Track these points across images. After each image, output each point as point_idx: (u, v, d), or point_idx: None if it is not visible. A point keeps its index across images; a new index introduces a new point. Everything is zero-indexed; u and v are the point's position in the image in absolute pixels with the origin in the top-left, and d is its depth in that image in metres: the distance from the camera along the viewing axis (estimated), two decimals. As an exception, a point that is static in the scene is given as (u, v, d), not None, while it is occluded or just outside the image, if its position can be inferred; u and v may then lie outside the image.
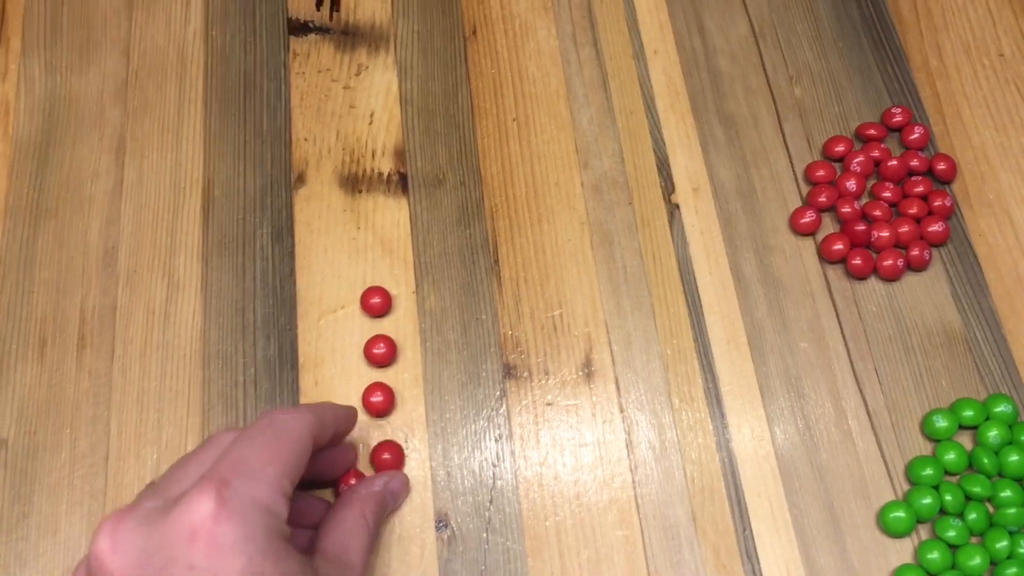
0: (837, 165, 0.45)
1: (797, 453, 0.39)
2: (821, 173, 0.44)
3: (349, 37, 0.48)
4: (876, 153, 0.45)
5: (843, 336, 0.42)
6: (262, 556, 0.28)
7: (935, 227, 0.44)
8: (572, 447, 0.40)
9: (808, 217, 0.44)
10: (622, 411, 0.40)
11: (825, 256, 0.43)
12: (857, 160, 0.45)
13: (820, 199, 0.44)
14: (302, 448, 0.32)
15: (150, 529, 0.29)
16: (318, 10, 0.49)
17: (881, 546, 0.38)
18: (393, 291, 0.42)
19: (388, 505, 0.37)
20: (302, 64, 0.48)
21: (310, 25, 0.49)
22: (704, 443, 0.40)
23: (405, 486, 0.38)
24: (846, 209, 0.44)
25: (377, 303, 0.41)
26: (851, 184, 0.44)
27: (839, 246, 0.43)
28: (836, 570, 0.37)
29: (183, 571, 0.28)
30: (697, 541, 0.38)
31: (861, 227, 0.43)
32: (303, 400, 0.40)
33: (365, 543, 0.35)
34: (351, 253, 0.43)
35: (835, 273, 0.43)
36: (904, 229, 0.43)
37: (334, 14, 0.49)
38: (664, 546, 0.38)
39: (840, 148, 0.45)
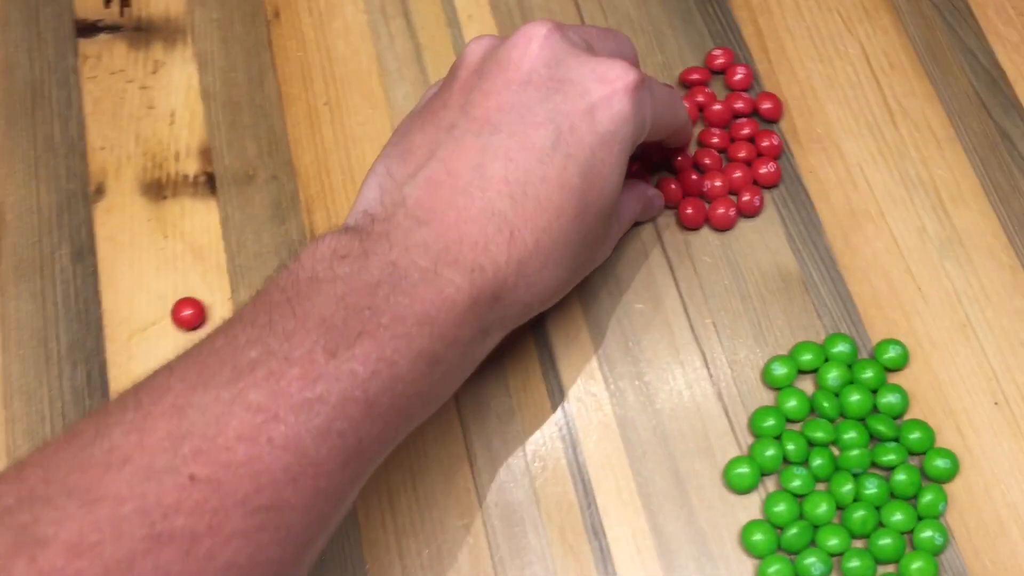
0: (663, 115, 0.44)
1: (639, 419, 0.38)
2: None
3: (143, 33, 0.45)
4: (700, 98, 0.44)
5: (679, 292, 0.41)
6: (622, 141, 0.32)
7: (765, 169, 0.42)
8: (407, 441, 0.38)
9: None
10: (455, 397, 0.39)
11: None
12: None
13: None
14: (674, 127, 0.38)
15: (575, 52, 0.33)
16: (107, 7, 0.46)
17: (728, 504, 0.37)
18: (208, 299, 0.40)
19: (646, 212, 0.41)
20: (93, 67, 0.44)
21: (99, 24, 0.45)
22: (542, 420, 0.38)
23: (661, 208, 0.42)
24: (678, 158, 0.43)
25: (189, 315, 0.39)
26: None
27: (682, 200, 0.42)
28: (685, 535, 0.36)
29: (577, 93, 0.32)
30: (542, 523, 0.37)
31: (694, 176, 0.42)
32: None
33: (630, 219, 0.40)
34: (159, 264, 0.41)
35: (668, 228, 0.42)
36: (736, 175, 0.42)
37: (124, 10, 0.46)
38: (507, 533, 0.36)
39: (665, 95, 0.44)
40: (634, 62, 0.36)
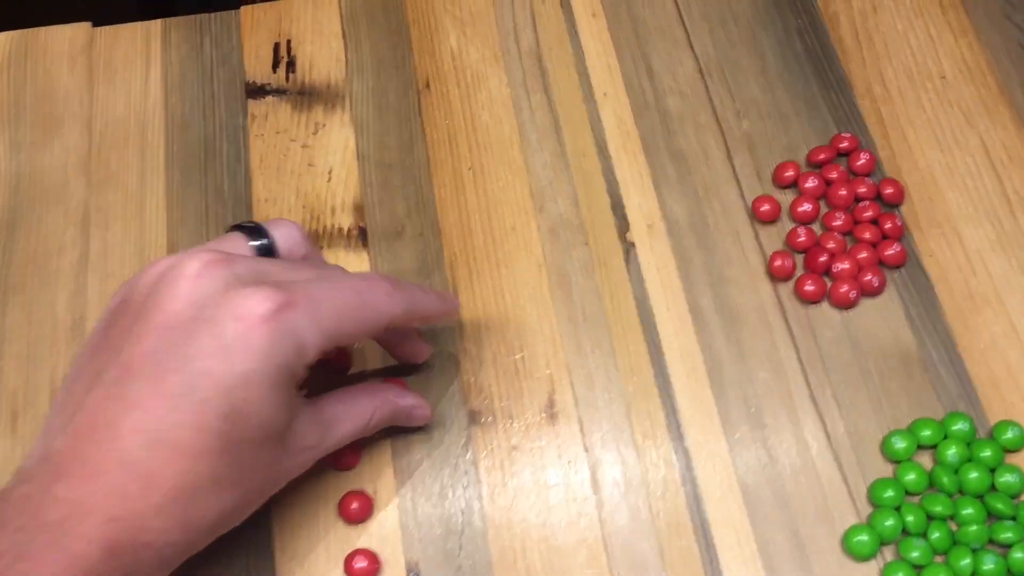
0: (787, 193, 0.46)
1: (760, 482, 0.40)
2: (766, 208, 0.45)
3: (305, 97, 0.50)
4: (834, 175, 0.46)
5: (800, 363, 0.43)
6: (265, 377, 0.31)
7: (891, 250, 0.44)
8: (539, 489, 0.40)
9: (780, 261, 0.44)
10: (586, 451, 0.41)
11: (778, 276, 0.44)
12: (809, 182, 0.46)
13: (799, 240, 0.45)
14: (373, 329, 0.36)
15: (222, 287, 0.32)
16: (274, 72, 0.50)
17: (847, 570, 0.38)
18: (357, 345, 0.43)
19: (399, 421, 0.40)
20: (260, 126, 0.49)
21: (267, 88, 0.50)
22: (668, 477, 0.40)
23: (426, 419, 0.40)
24: (801, 239, 0.45)
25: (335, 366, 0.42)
26: (806, 207, 0.45)
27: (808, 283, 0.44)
28: (804, 597, 0.38)
29: (210, 335, 0.31)
30: (666, 575, 0.38)
31: (823, 258, 0.44)
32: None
33: (354, 432, 0.37)
34: (314, 309, 0.44)
35: (790, 301, 0.44)
36: (862, 255, 0.44)
37: (290, 75, 0.50)
38: (633, 583, 0.38)
39: (789, 173, 0.46)
40: (297, 281, 0.34)
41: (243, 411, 0.31)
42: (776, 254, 0.44)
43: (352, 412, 0.37)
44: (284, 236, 0.37)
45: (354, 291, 0.35)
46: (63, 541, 0.29)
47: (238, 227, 0.37)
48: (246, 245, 0.36)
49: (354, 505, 0.39)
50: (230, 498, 0.32)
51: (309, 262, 0.37)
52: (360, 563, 0.38)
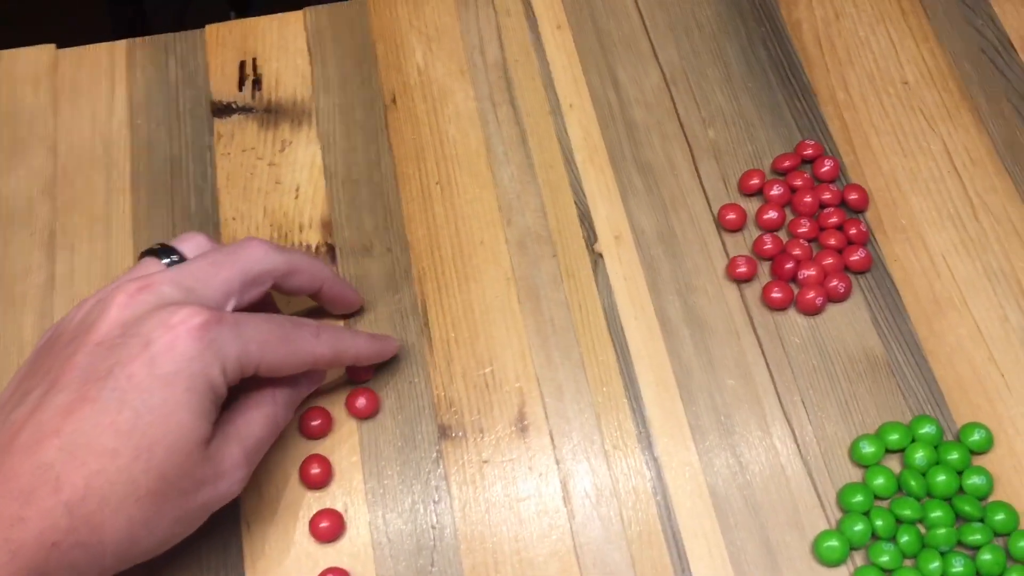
0: (753, 201, 0.47)
1: (730, 489, 0.40)
2: (732, 216, 0.46)
3: (272, 114, 0.50)
4: (799, 182, 0.46)
5: (768, 370, 0.43)
6: (191, 385, 0.33)
7: (856, 256, 0.45)
8: (510, 503, 0.40)
9: (742, 266, 0.45)
10: (557, 463, 0.41)
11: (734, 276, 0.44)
12: (775, 190, 0.46)
13: (765, 247, 0.45)
14: (297, 365, 0.37)
15: (152, 308, 0.34)
16: (240, 91, 0.50)
17: (818, 576, 0.38)
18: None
19: (295, 408, 0.39)
20: (227, 144, 0.49)
21: (233, 106, 0.50)
22: (639, 487, 0.40)
23: (311, 386, 0.40)
24: (767, 246, 0.45)
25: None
26: (772, 214, 0.46)
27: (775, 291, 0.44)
28: (775, 604, 0.38)
29: (138, 344, 0.33)
30: (638, 586, 0.38)
31: (789, 265, 0.44)
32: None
33: (269, 435, 0.37)
34: (283, 327, 0.44)
35: (757, 309, 0.44)
36: (828, 261, 0.44)
37: (256, 93, 0.50)
38: (605, 594, 0.38)
39: (755, 181, 0.47)
40: (231, 294, 0.36)
41: (161, 411, 0.32)
42: (736, 259, 0.44)
43: (255, 416, 0.37)
44: (192, 248, 0.38)
45: (279, 325, 0.36)
46: (10, 539, 0.30)
47: (147, 252, 0.38)
48: (160, 265, 0.37)
49: (324, 524, 0.39)
50: (151, 504, 0.32)
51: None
52: None
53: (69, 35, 0.53)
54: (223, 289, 0.36)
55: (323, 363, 0.38)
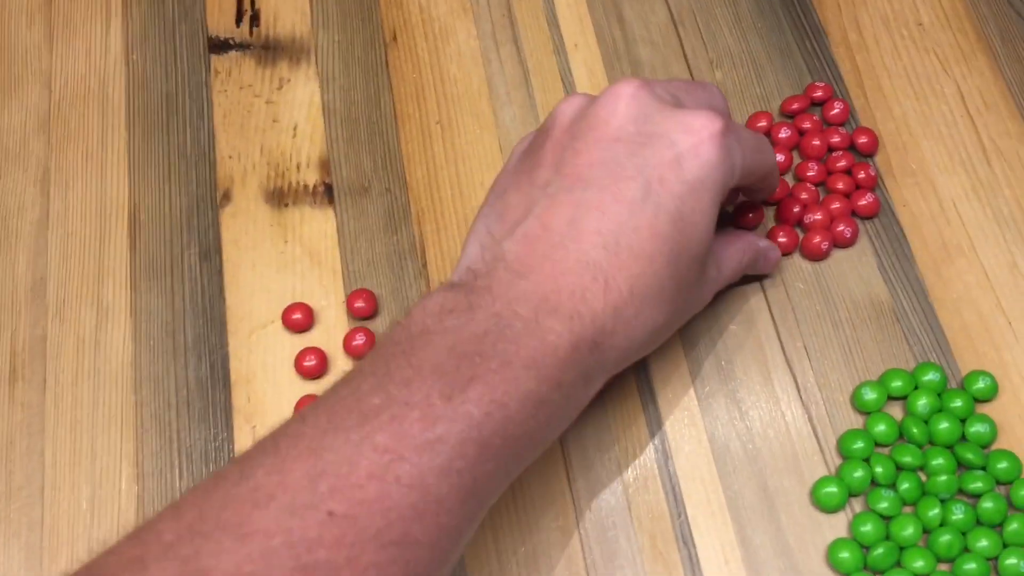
0: (760, 145, 0.46)
1: (730, 435, 0.40)
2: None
3: (270, 51, 0.48)
4: (807, 124, 0.45)
5: (771, 316, 0.42)
6: (710, 187, 0.33)
7: (864, 200, 0.44)
8: (506, 445, 0.40)
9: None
10: (555, 406, 0.40)
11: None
12: (783, 132, 0.45)
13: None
14: (768, 170, 0.38)
15: (661, 107, 0.34)
16: (238, 26, 0.49)
17: (815, 522, 0.38)
18: (322, 302, 0.42)
19: (757, 264, 0.41)
20: (224, 82, 0.48)
21: (230, 42, 0.49)
22: (637, 431, 0.40)
23: (776, 262, 0.42)
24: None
25: (298, 319, 0.41)
26: (779, 158, 0.45)
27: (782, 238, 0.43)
28: (772, 549, 0.38)
29: (664, 146, 0.33)
30: (633, 529, 0.38)
31: (795, 209, 0.43)
32: (236, 417, 0.40)
33: (734, 272, 0.39)
34: (279, 267, 0.43)
35: (761, 253, 0.43)
36: (835, 206, 0.43)
37: (254, 29, 0.49)
38: (600, 536, 0.38)
39: (762, 123, 0.46)
40: (723, 111, 0.38)
41: (690, 219, 0.33)
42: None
43: (732, 252, 0.39)
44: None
45: (757, 137, 0.37)
46: (537, 331, 0.30)
47: None
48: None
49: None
50: (666, 311, 0.34)
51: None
52: None
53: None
54: (749, 161, 0.36)
55: (775, 171, 0.40)
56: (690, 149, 0.33)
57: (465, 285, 0.32)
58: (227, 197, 0.45)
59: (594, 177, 0.33)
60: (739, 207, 0.43)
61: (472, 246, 0.35)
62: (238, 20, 0.49)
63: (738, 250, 0.39)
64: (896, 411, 0.40)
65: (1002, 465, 0.38)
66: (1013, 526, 0.37)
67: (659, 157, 0.33)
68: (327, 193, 0.45)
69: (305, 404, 0.40)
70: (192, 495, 0.27)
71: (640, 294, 0.32)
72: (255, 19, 0.49)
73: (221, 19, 0.49)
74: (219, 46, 0.49)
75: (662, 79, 0.37)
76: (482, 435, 0.28)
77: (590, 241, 0.32)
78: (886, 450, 0.39)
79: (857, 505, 0.38)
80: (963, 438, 0.39)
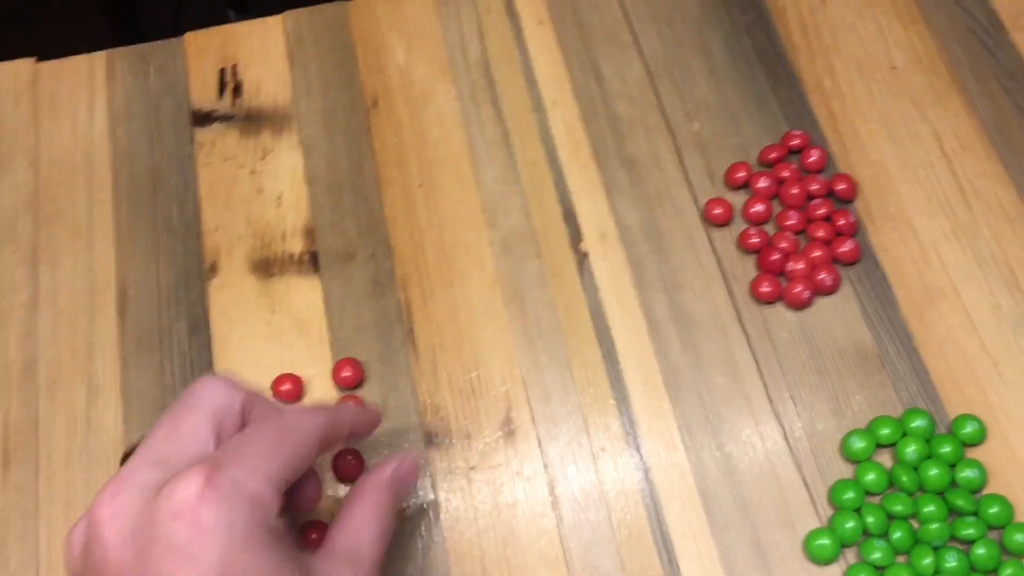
0: (739, 194, 0.46)
1: (720, 489, 0.40)
2: (718, 211, 0.45)
3: (253, 122, 0.49)
4: (786, 173, 0.45)
5: (757, 366, 0.42)
6: (242, 542, 0.28)
7: (845, 247, 0.44)
8: (498, 509, 0.40)
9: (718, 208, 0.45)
10: (545, 467, 0.41)
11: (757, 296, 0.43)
12: (761, 182, 0.45)
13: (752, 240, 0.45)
14: (307, 451, 0.32)
15: (143, 503, 0.29)
16: (220, 98, 0.50)
17: (810, 574, 0.38)
18: (310, 371, 0.43)
19: (400, 492, 0.36)
20: (208, 153, 0.48)
21: (213, 114, 0.49)
22: (627, 489, 0.40)
23: (414, 469, 0.37)
24: (753, 240, 0.44)
25: (287, 390, 0.42)
26: (759, 208, 0.45)
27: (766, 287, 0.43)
28: (767, 604, 0.38)
29: (164, 550, 0.28)
30: (627, 590, 0.38)
31: (774, 257, 0.44)
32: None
33: (379, 536, 0.34)
34: (267, 338, 0.44)
35: (745, 304, 0.44)
36: (816, 254, 0.44)
37: (236, 100, 0.50)
38: (595, 599, 0.38)
39: (741, 174, 0.46)
40: (216, 427, 0.32)
41: None
42: (712, 202, 0.45)
43: (363, 525, 0.34)
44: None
45: (272, 428, 0.32)
46: None
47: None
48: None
49: (313, 536, 0.39)
50: None
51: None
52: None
53: (61, 44, 0.52)
54: (272, 470, 0.31)
55: (324, 444, 0.34)
56: (188, 535, 0.28)
57: None
58: (214, 269, 0.45)
59: None
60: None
61: None
62: (221, 92, 0.50)
63: (368, 512, 0.34)
64: (885, 459, 0.40)
65: (993, 510, 0.38)
66: (1008, 572, 0.37)
67: (167, 567, 0.28)
68: (312, 261, 0.45)
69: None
70: None
71: None
72: (237, 90, 0.50)
73: (204, 91, 0.50)
74: (202, 118, 0.49)
75: (140, 449, 0.31)
76: None
77: None
78: (877, 499, 0.39)
79: (851, 556, 0.38)
80: (953, 484, 0.39)
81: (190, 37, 0.51)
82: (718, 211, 0.45)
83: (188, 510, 0.28)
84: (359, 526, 0.34)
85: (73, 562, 0.31)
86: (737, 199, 0.46)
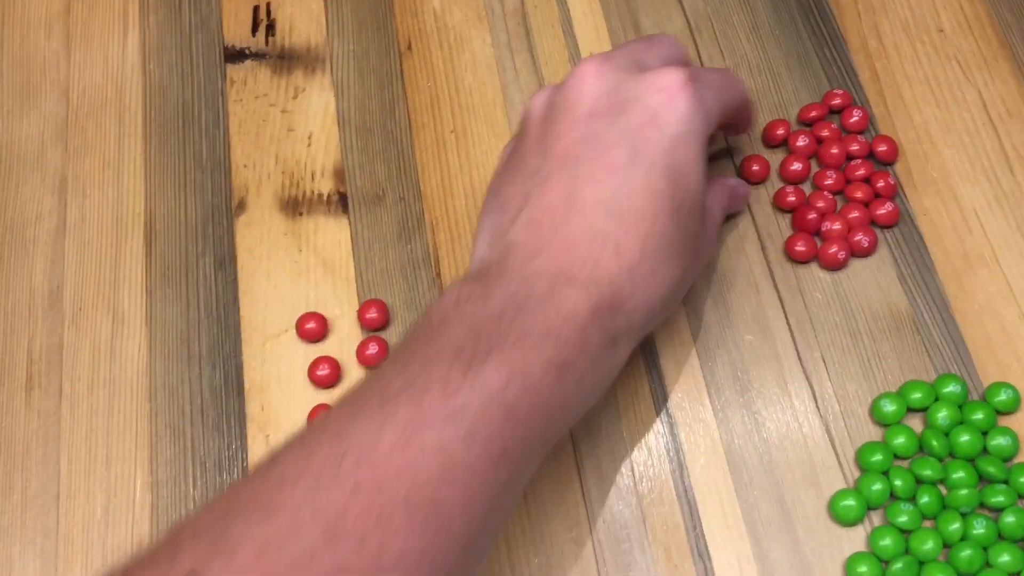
0: (777, 152, 0.45)
1: (746, 447, 0.39)
2: (755, 168, 0.44)
3: (285, 61, 0.49)
4: (826, 132, 0.45)
5: (788, 326, 0.41)
6: (692, 138, 0.34)
7: (883, 209, 0.43)
8: (520, 456, 0.39)
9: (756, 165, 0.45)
10: (569, 416, 0.40)
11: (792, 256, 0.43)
12: (800, 141, 0.44)
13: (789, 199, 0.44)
14: (740, 105, 0.39)
15: (626, 75, 0.35)
16: (253, 36, 0.49)
17: (833, 536, 0.37)
18: (335, 311, 0.42)
19: (734, 203, 0.42)
20: (239, 91, 0.48)
21: (246, 52, 0.49)
22: (652, 444, 0.39)
23: (745, 198, 0.43)
24: (790, 198, 0.44)
25: (312, 328, 0.41)
26: (797, 166, 0.44)
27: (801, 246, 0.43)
28: (788, 563, 0.37)
29: (639, 109, 0.34)
30: (648, 541, 0.38)
31: (812, 216, 0.43)
32: (250, 426, 0.40)
33: (719, 218, 0.40)
34: (293, 276, 0.43)
35: (779, 263, 0.43)
36: (853, 215, 0.43)
37: (269, 39, 0.49)
38: (614, 549, 0.38)
39: (780, 131, 0.45)
40: (683, 61, 0.38)
41: (681, 171, 0.34)
42: (749, 158, 0.45)
43: (714, 196, 0.40)
44: None
45: (721, 74, 0.38)
46: (553, 302, 0.31)
47: None
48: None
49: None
50: (680, 263, 0.34)
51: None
52: None
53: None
54: (721, 103, 0.37)
55: (746, 102, 0.40)
56: (664, 106, 0.34)
57: (479, 274, 0.33)
58: (242, 206, 0.45)
59: (581, 153, 0.34)
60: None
61: (480, 244, 0.35)
62: (254, 30, 0.49)
63: (718, 193, 0.41)
64: (916, 423, 0.39)
65: (1024, 479, 0.37)
66: (1036, 541, 0.36)
67: (637, 120, 0.34)
68: (341, 202, 0.45)
69: (318, 414, 0.40)
70: (227, 489, 0.29)
71: (652, 252, 0.33)
72: (271, 29, 0.49)
73: (237, 29, 0.49)
74: (235, 56, 0.49)
75: (620, 46, 0.38)
76: (506, 402, 0.29)
77: (592, 211, 0.33)
78: (905, 463, 0.38)
79: (876, 519, 0.38)
80: (984, 451, 0.38)
81: (225, -27, 0.51)
82: (755, 168, 0.44)
83: (670, 89, 0.34)
84: (715, 195, 0.40)
85: (532, 121, 0.36)
86: (775, 158, 0.45)
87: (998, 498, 0.37)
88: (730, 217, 0.43)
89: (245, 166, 0.46)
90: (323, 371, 0.41)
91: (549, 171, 0.34)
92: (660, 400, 0.40)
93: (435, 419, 0.28)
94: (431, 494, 0.27)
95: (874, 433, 0.39)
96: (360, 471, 0.27)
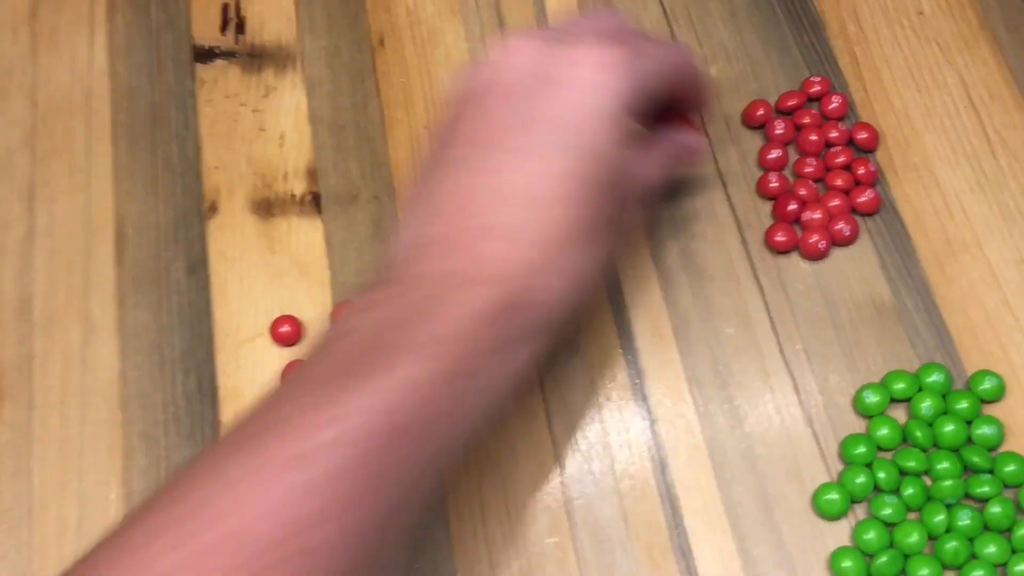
0: (756, 136, 0.45)
1: (728, 442, 0.39)
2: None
3: (256, 59, 0.48)
4: (806, 119, 0.44)
5: (770, 318, 0.41)
6: (614, 110, 0.32)
7: (864, 197, 0.42)
8: (499, 455, 0.39)
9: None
10: (548, 416, 0.40)
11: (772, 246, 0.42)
12: (779, 128, 0.44)
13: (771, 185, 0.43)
14: (678, 79, 0.37)
15: (547, 49, 0.33)
16: (223, 34, 0.48)
17: (817, 530, 0.37)
18: (310, 313, 0.42)
19: (682, 162, 0.40)
20: (209, 91, 0.47)
21: (215, 51, 0.48)
22: (632, 440, 0.39)
23: (698, 153, 0.41)
24: (772, 185, 0.43)
25: (286, 332, 0.41)
26: (776, 154, 0.43)
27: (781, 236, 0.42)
28: (772, 558, 0.37)
29: (557, 85, 0.33)
30: (629, 541, 0.37)
31: (791, 207, 0.42)
32: (224, 432, 0.40)
33: (658, 178, 0.38)
34: (267, 279, 0.43)
35: (759, 254, 0.42)
36: (834, 203, 0.42)
37: (239, 37, 0.48)
38: (596, 549, 0.37)
39: (760, 112, 0.44)
40: (613, 32, 0.36)
41: (596, 149, 0.32)
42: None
43: (651, 162, 0.37)
44: None
45: (666, 49, 0.37)
46: (445, 307, 0.30)
47: None
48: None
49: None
50: (587, 251, 0.32)
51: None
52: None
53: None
54: (652, 73, 0.35)
55: (694, 77, 0.38)
56: (579, 80, 0.32)
57: (385, 280, 0.32)
58: (214, 208, 0.44)
59: (494, 139, 0.32)
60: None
61: (400, 237, 0.34)
62: (223, 28, 0.49)
63: (656, 157, 0.38)
64: (899, 414, 0.39)
65: (1010, 468, 0.37)
66: (1022, 531, 0.36)
67: (552, 98, 0.32)
68: (315, 202, 0.44)
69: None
70: (104, 540, 0.27)
71: (553, 242, 0.31)
72: (240, 27, 0.49)
73: (206, 27, 0.48)
74: (204, 55, 0.48)
75: (557, 23, 0.36)
76: (389, 423, 0.27)
77: (492, 203, 0.31)
78: (889, 455, 0.38)
79: (860, 512, 0.37)
80: (969, 441, 0.38)
81: (193, -29, 0.50)
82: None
83: (589, 62, 0.32)
84: (652, 160, 0.37)
85: (452, 105, 0.35)
86: (754, 145, 0.44)
87: (983, 488, 0.36)
88: (728, 217, 0.42)
89: (216, 168, 0.45)
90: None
91: (463, 160, 0.33)
92: (640, 398, 0.40)
93: (309, 452, 0.26)
94: (307, 537, 0.25)
95: (857, 425, 0.39)
96: (226, 520, 0.25)
